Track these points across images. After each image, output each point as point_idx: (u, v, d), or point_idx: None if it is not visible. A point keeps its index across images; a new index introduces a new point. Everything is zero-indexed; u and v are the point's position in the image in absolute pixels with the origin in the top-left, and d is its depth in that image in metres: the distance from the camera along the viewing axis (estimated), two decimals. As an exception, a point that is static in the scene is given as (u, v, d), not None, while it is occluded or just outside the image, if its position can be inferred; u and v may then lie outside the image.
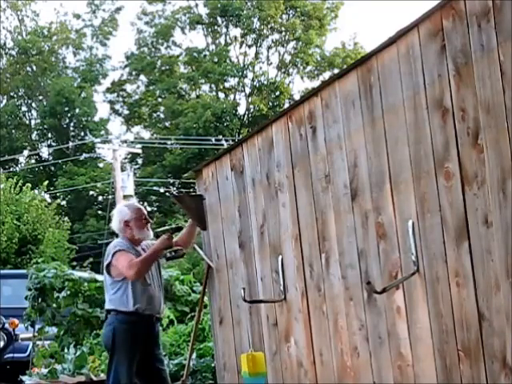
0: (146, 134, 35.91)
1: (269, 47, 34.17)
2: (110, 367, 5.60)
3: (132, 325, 5.53)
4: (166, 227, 5.88)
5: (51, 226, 23.43)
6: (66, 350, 9.57)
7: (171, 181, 32.78)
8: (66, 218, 25.89)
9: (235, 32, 34.32)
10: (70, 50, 35.87)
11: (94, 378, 7.95)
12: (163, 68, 34.62)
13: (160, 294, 5.75)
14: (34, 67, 35.29)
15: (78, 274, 10.89)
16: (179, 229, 5.94)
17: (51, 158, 34.32)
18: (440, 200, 3.58)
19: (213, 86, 34.43)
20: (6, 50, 34.87)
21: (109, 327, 5.63)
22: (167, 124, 35.10)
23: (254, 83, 33.92)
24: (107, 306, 5.69)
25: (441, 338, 3.62)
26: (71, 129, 34.78)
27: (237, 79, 33.71)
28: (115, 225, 5.78)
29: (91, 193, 33.44)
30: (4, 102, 34.66)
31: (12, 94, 35.00)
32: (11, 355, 12.00)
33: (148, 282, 5.64)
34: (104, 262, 5.70)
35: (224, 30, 34.58)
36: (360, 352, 4.20)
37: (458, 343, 3.52)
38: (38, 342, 10.41)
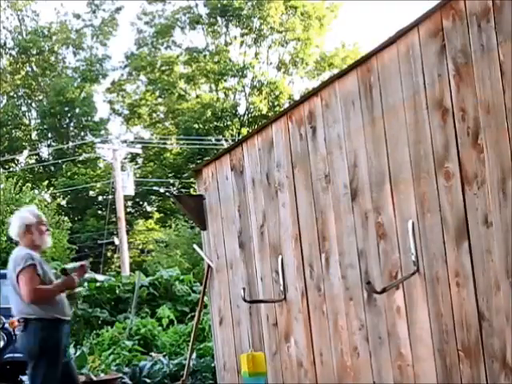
0: (146, 134, 35.91)
1: (269, 47, 34.18)
2: (35, 374, 5.47)
3: (55, 331, 5.43)
4: (74, 265, 5.84)
5: (51, 226, 23.44)
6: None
7: (171, 181, 32.79)
8: (66, 218, 25.89)
9: (235, 32, 34.35)
10: (69, 49, 35.88)
11: (94, 378, 7.96)
12: (163, 68, 34.61)
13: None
14: (34, 67, 35.31)
15: (77, 273, 10.88)
16: (82, 268, 5.85)
17: (51, 157, 34.33)
18: (440, 200, 3.58)
19: (213, 85, 34.43)
20: (6, 50, 34.88)
21: (32, 335, 5.45)
22: (167, 124, 35.10)
23: (254, 83, 33.92)
24: (24, 314, 5.47)
25: (441, 338, 3.62)
26: (71, 129, 34.79)
27: (237, 79, 33.71)
28: (14, 230, 5.59)
29: (91, 193, 33.44)
30: (4, 101, 34.66)
31: (12, 93, 35.00)
32: (11, 355, 11.99)
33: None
34: (15, 269, 5.42)
35: (224, 29, 34.59)
36: (360, 352, 4.20)
37: (458, 343, 3.52)
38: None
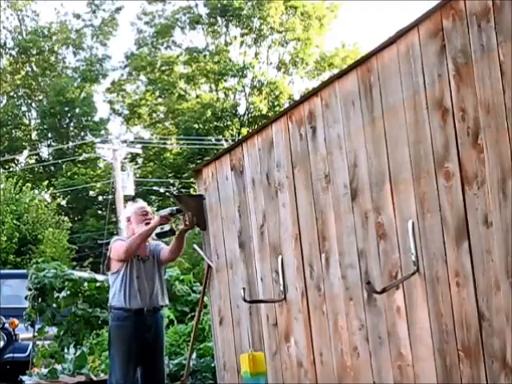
0: (146, 134, 35.90)
1: (269, 47, 34.19)
2: (109, 364, 5.90)
3: (122, 320, 5.63)
4: (167, 209, 5.98)
5: (51, 226, 23.45)
6: (65, 350, 9.58)
7: (171, 181, 32.78)
8: (66, 218, 25.89)
9: (235, 32, 34.34)
10: (69, 49, 35.88)
11: (94, 378, 7.96)
12: (163, 68, 34.60)
13: (152, 286, 5.80)
14: (34, 67, 35.30)
15: (78, 273, 10.90)
16: (179, 211, 5.96)
17: (51, 157, 34.33)
18: (440, 200, 3.58)
19: (213, 85, 34.43)
20: (6, 50, 34.87)
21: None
22: (167, 124, 35.10)
23: (254, 83, 33.92)
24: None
25: (441, 337, 3.62)
26: (71, 129, 34.78)
27: (237, 79, 33.71)
28: (122, 224, 6.07)
29: (91, 193, 33.44)
30: (4, 101, 34.66)
31: (12, 93, 35.00)
32: (11, 355, 11.99)
33: (135, 276, 5.72)
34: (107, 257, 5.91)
35: (224, 29, 34.59)
36: (360, 352, 4.20)
37: (458, 343, 3.52)
38: (38, 342, 10.41)
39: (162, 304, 5.90)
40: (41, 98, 35.21)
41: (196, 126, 32.00)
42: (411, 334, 3.81)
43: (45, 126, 34.17)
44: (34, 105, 35.70)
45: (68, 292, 10.16)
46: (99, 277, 12.97)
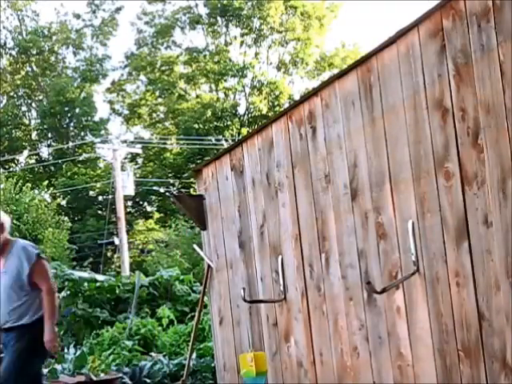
0: (146, 134, 35.91)
1: (269, 47, 34.19)
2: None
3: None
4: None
5: (51, 226, 23.45)
6: (65, 350, 9.59)
7: (171, 181, 32.79)
8: (66, 218, 25.89)
9: (235, 32, 34.35)
10: (69, 49, 35.88)
11: (94, 378, 7.95)
12: (163, 68, 34.62)
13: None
14: (34, 67, 35.31)
15: (78, 273, 10.90)
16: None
17: (51, 157, 34.33)
18: (440, 200, 3.58)
19: (213, 85, 34.44)
20: (7, 50, 34.88)
21: None
22: (167, 124, 35.10)
23: (254, 83, 33.92)
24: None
25: (441, 338, 3.62)
26: (71, 129, 34.79)
27: (237, 79, 33.71)
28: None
29: (91, 193, 33.44)
30: (4, 101, 34.67)
31: (12, 94, 35.01)
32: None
33: None
34: (25, 264, 5.39)
35: (224, 29, 34.60)
36: (360, 352, 4.20)
37: (458, 343, 3.52)
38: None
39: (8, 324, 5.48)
40: (41, 97, 35.22)
41: (196, 126, 32.01)
42: (411, 334, 3.81)
43: (45, 126, 34.18)
44: (34, 105, 35.71)
45: (68, 292, 10.17)
46: (99, 277, 12.98)
